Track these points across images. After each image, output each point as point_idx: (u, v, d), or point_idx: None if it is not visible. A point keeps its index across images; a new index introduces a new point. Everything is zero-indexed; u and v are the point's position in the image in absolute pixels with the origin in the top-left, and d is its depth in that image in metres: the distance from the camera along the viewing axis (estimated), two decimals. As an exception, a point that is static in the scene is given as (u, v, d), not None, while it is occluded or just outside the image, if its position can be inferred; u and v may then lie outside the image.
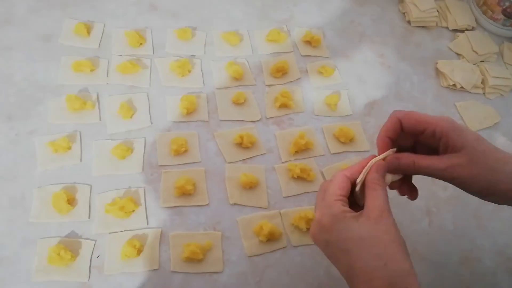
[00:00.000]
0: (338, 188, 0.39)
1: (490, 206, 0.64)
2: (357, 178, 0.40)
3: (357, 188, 0.40)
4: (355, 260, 0.35)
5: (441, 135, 0.40)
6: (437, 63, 0.79)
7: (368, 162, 0.40)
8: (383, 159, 0.41)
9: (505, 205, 0.42)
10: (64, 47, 0.69)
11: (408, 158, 0.41)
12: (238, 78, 0.70)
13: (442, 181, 0.61)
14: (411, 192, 0.45)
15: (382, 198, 0.38)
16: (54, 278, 0.50)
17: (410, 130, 0.41)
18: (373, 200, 0.38)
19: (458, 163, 0.39)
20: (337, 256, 0.37)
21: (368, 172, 0.40)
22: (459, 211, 0.63)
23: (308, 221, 0.56)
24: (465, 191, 0.41)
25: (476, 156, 0.38)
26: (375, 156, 0.41)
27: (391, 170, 0.41)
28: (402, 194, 0.45)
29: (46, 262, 0.50)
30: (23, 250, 0.51)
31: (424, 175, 0.41)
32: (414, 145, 0.43)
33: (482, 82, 0.77)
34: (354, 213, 0.37)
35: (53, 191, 0.55)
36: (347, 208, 0.38)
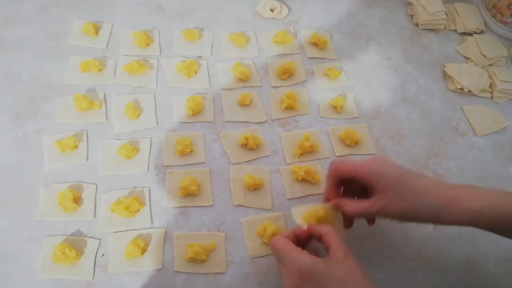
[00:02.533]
0: (289, 243, 0.45)
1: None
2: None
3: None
4: None
5: (363, 181, 0.48)
6: (444, 66, 0.78)
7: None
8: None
9: None
10: (72, 46, 0.69)
11: (338, 203, 0.50)
12: (244, 80, 0.70)
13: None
14: (372, 221, 0.54)
15: (341, 242, 0.44)
16: (59, 276, 0.51)
17: (347, 176, 0.49)
18: (336, 244, 0.44)
19: (379, 205, 0.46)
20: None
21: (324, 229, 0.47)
22: (464, 216, 0.63)
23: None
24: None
25: (396, 196, 0.45)
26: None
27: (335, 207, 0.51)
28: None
29: (51, 260, 0.51)
30: (29, 247, 0.52)
31: (355, 217, 0.52)
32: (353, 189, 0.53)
33: (490, 86, 0.77)
34: (322, 259, 0.43)
35: (59, 189, 0.55)
36: (313, 256, 0.43)
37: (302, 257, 0.43)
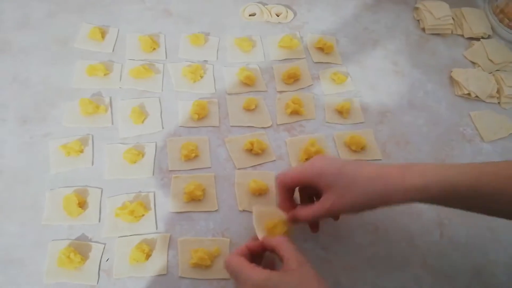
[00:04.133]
0: (243, 261, 0.44)
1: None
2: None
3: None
4: None
5: (310, 184, 0.48)
6: (451, 71, 0.77)
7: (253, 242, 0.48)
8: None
9: None
10: (79, 51, 0.70)
11: (290, 213, 0.50)
12: (249, 84, 0.70)
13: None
14: (314, 227, 0.55)
15: (294, 251, 0.44)
16: (64, 280, 0.51)
17: (295, 185, 0.51)
18: (289, 253, 0.43)
19: (329, 203, 0.46)
20: None
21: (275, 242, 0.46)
22: (472, 223, 0.62)
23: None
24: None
25: (341, 190, 0.45)
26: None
27: (290, 221, 0.51)
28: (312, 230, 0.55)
29: (56, 264, 0.51)
30: (35, 252, 0.52)
31: (308, 222, 0.52)
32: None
33: (498, 92, 0.76)
34: (275, 272, 0.42)
35: (64, 193, 0.56)
36: (265, 270, 0.42)
37: (255, 274, 0.42)
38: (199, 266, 0.53)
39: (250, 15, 0.79)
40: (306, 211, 0.49)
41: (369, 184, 0.45)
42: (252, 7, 0.79)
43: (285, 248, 0.44)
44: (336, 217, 0.54)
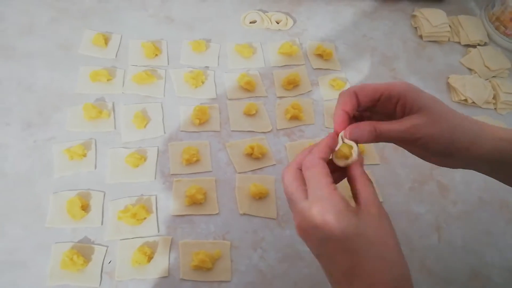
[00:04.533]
0: (327, 174, 0.35)
1: (502, 222, 0.64)
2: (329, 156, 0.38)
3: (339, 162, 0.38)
4: (360, 261, 0.33)
5: (398, 98, 0.39)
6: (448, 78, 0.79)
7: (332, 139, 0.38)
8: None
9: None
10: (82, 56, 0.71)
11: (367, 125, 0.38)
12: (250, 90, 0.71)
13: (451, 196, 0.62)
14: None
15: (375, 193, 0.36)
16: (67, 282, 0.51)
17: (367, 99, 0.39)
18: (368, 194, 0.35)
19: (418, 123, 0.37)
20: (336, 256, 0.34)
21: (353, 166, 0.37)
22: (469, 227, 0.63)
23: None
24: (426, 154, 0.40)
25: (435, 115, 0.38)
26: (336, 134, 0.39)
27: (352, 138, 0.38)
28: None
29: (59, 266, 0.52)
30: (38, 254, 0.53)
31: (386, 141, 0.39)
32: (371, 119, 0.41)
33: (494, 98, 0.77)
34: (352, 207, 0.34)
35: (68, 197, 0.56)
36: (346, 200, 0.34)
37: (316, 208, 0.33)
38: (200, 268, 0.53)
39: (250, 23, 0.80)
40: (384, 125, 0.38)
41: (463, 120, 0.39)
42: (252, 15, 0.80)
43: (366, 183, 0.36)
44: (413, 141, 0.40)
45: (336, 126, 0.39)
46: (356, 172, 0.37)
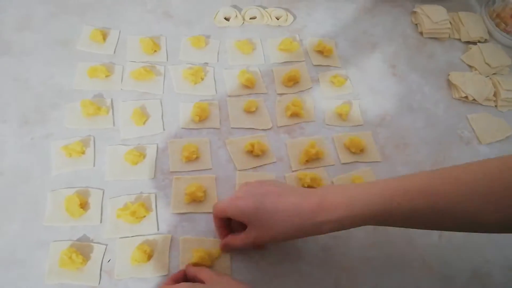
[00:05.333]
0: None
1: (502, 220, 0.64)
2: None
3: None
4: None
5: (233, 218, 0.50)
6: (449, 74, 0.78)
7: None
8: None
9: None
10: (80, 52, 0.70)
11: (224, 243, 0.53)
12: (250, 87, 0.70)
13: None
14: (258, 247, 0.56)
15: (214, 272, 0.50)
16: (65, 281, 0.51)
17: (223, 217, 0.52)
18: (207, 275, 0.48)
19: (256, 234, 0.48)
20: None
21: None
22: (470, 224, 0.63)
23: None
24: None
25: (262, 226, 0.47)
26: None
27: (222, 250, 0.54)
28: None
29: (58, 265, 0.51)
30: (36, 253, 0.52)
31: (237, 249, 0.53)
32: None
33: (494, 95, 0.77)
34: (199, 285, 0.47)
35: (66, 194, 0.56)
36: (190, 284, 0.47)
37: None
38: (200, 266, 0.53)
39: (250, 18, 0.79)
40: (235, 240, 0.51)
41: (286, 220, 0.46)
42: (252, 11, 0.80)
43: (205, 272, 0.48)
44: (261, 246, 0.55)
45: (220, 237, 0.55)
46: (196, 270, 0.51)
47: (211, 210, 0.58)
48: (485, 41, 0.85)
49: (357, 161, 0.66)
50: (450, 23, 0.85)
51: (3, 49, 0.68)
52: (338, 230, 0.47)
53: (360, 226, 0.47)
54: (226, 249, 0.54)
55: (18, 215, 0.55)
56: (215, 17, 0.78)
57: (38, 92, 0.65)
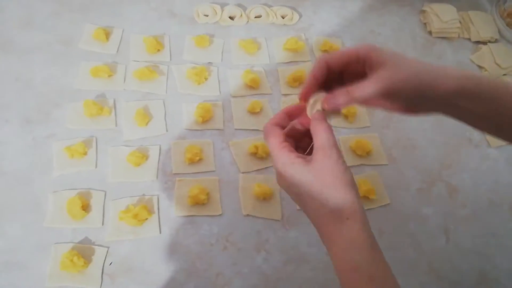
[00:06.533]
0: (276, 136, 0.41)
1: (510, 224, 0.62)
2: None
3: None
4: (305, 202, 0.39)
5: (364, 58, 0.41)
6: (458, 75, 0.77)
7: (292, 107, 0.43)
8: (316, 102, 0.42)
9: None
10: (83, 51, 0.69)
11: (341, 91, 0.40)
12: (254, 87, 0.69)
13: (460, 198, 0.60)
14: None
15: (329, 138, 0.39)
16: (66, 284, 0.50)
17: (338, 65, 0.42)
18: (319, 138, 0.39)
19: (386, 75, 0.40)
20: (294, 198, 0.41)
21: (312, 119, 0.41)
22: (477, 229, 0.62)
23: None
24: (394, 104, 0.42)
25: (399, 63, 0.40)
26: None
27: (330, 108, 0.41)
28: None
29: (59, 267, 0.50)
30: (37, 255, 0.52)
31: (360, 102, 0.41)
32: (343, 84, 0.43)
33: (505, 96, 0.75)
34: (302, 159, 0.39)
35: (68, 196, 0.55)
36: (292, 155, 0.39)
37: (279, 155, 0.39)
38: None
39: (255, 17, 0.78)
40: (362, 88, 0.40)
41: (423, 66, 0.41)
42: (257, 9, 0.78)
43: (319, 129, 0.39)
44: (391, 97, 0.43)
45: (304, 90, 0.43)
46: (314, 122, 0.40)
47: (214, 213, 0.57)
48: (496, 41, 0.84)
49: (364, 164, 0.65)
50: (460, 22, 0.83)
51: (5, 48, 0.68)
52: (458, 93, 0.41)
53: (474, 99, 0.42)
54: (348, 101, 0.40)
55: (18, 216, 0.54)
56: (195, 14, 0.76)
57: (40, 91, 0.64)
